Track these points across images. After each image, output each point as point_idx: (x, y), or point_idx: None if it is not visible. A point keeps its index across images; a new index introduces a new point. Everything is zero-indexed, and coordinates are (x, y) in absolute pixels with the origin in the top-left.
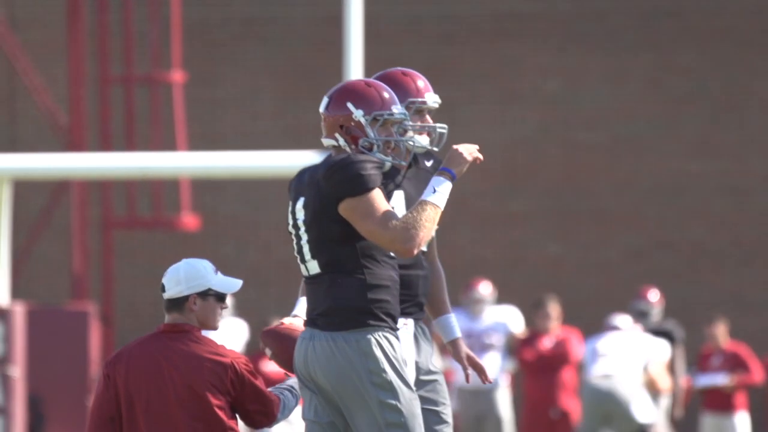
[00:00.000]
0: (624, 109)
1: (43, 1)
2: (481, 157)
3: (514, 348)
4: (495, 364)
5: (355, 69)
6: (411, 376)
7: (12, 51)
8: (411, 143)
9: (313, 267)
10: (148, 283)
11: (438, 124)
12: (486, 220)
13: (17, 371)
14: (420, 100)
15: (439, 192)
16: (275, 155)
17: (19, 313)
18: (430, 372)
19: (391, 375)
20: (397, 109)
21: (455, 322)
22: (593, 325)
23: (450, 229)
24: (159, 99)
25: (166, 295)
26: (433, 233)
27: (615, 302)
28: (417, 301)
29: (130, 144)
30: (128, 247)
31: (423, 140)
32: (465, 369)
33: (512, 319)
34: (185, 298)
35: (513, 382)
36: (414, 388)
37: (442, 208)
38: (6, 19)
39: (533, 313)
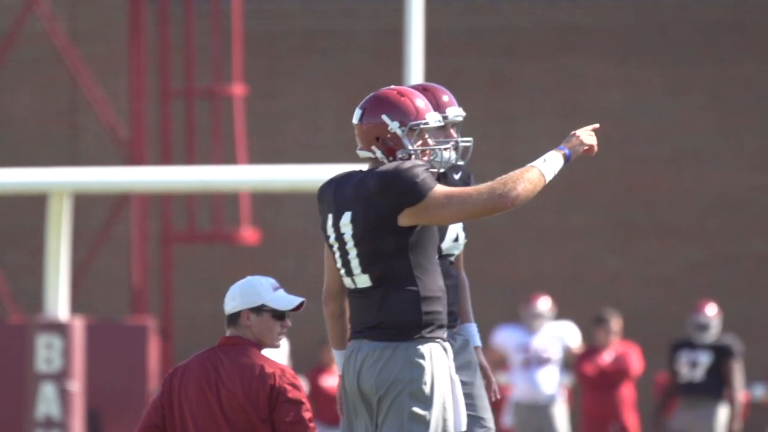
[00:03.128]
0: (685, 121)
1: (105, 15)
2: (596, 147)
3: (572, 362)
4: (552, 379)
5: (415, 81)
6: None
7: (73, 64)
8: (444, 154)
9: (364, 281)
10: (207, 297)
11: (463, 138)
12: (546, 234)
13: (76, 385)
14: (441, 115)
15: (548, 162)
16: (336, 169)
17: (79, 327)
18: (464, 382)
19: (431, 387)
20: (432, 117)
21: (476, 332)
22: (653, 339)
23: (509, 242)
24: (220, 112)
25: (225, 311)
26: (524, 199)
27: (675, 317)
28: (449, 310)
29: (190, 157)
30: (188, 261)
31: (447, 155)
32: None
33: (569, 334)
34: (239, 314)
35: (570, 397)
36: (459, 409)
37: (547, 180)
38: (68, 33)
39: (595, 328)
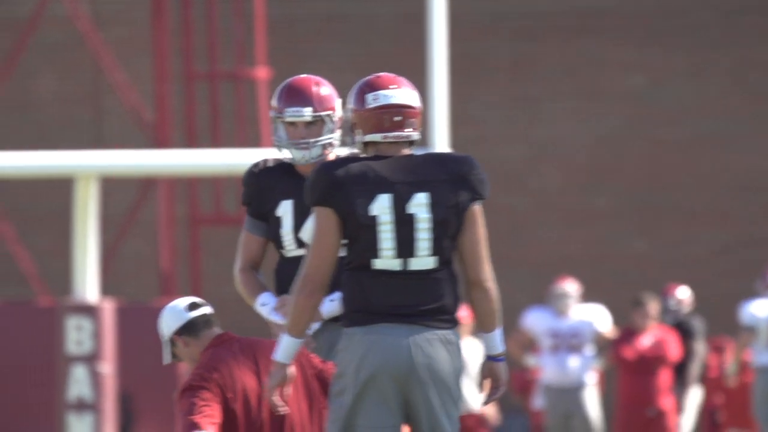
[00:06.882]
0: (707, 105)
1: None
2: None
3: (605, 346)
4: (582, 363)
5: (438, 66)
6: None
7: (97, 48)
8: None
9: (427, 263)
10: (235, 280)
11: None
12: (571, 218)
13: (107, 368)
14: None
15: (498, 335)
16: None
17: (109, 310)
18: None
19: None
20: None
21: None
22: None
23: (535, 226)
24: (243, 95)
25: (210, 312)
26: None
27: (700, 299)
28: None
29: (215, 140)
30: (215, 243)
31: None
32: None
33: (599, 318)
34: (215, 317)
35: (601, 381)
36: None
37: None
38: (90, 16)
39: (632, 311)
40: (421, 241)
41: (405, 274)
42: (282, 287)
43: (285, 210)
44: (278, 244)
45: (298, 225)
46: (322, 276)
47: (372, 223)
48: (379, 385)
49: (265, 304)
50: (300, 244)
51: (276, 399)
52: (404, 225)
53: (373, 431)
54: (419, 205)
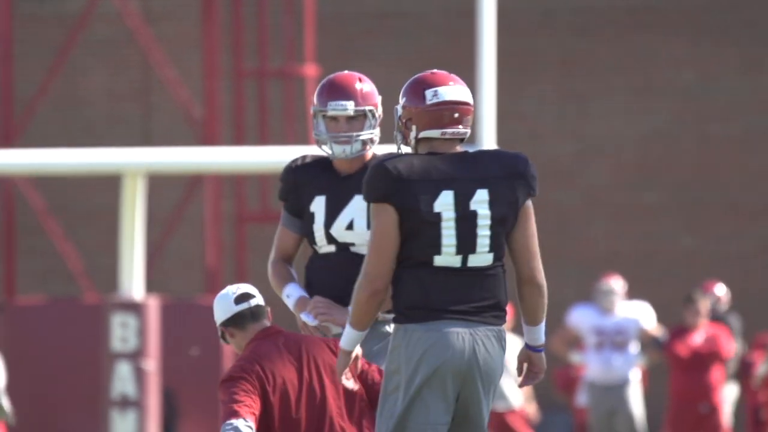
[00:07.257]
0: (758, 100)
1: None
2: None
3: (649, 343)
4: (627, 360)
5: (488, 62)
6: None
7: (147, 44)
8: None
9: (485, 259)
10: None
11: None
12: (619, 214)
13: (151, 365)
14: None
15: (542, 328)
16: (407, 150)
17: (154, 306)
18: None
19: None
20: None
21: None
22: None
23: (583, 222)
24: (292, 93)
25: (258, 303)
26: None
27: (749, 295)
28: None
29: (263, 138)
30: (261, 240)
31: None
32: None
33: (644, 315)
34: (265, 309)
35: (645, 378)
36: None
37: (535, 325)
38: (140, 13)
39: (683, 309)
40: (481, 238)
41: (464, 271)
42: (311, 283)
43: (318, 206)
44: (310, 239)
45: (329, 221)
46: (384, 275)
47: (436, 219)
48: (439, 382)
49: (290, 296)
50: (331, 240)
51: (346, 378)
52: (466, 221)
53: (428, 428)
54: (480, 201)
